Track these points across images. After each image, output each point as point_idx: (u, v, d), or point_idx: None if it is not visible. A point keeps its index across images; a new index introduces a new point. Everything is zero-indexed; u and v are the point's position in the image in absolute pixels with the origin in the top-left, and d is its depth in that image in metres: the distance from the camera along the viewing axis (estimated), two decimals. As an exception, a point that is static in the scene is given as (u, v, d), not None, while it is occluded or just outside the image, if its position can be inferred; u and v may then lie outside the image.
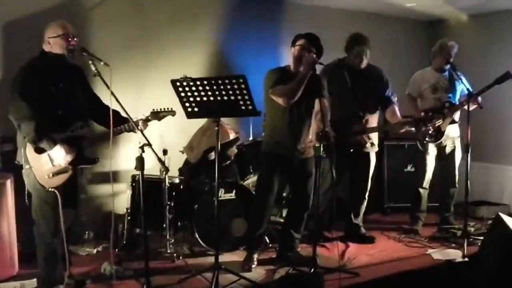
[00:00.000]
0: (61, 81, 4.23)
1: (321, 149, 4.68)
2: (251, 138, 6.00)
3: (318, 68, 4.78)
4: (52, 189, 4.10)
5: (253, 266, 4.99)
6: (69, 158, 4.15)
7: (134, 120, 4.33)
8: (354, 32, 5.71)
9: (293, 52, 4.88)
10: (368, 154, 5.86)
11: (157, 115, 4.57)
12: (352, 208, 5.98)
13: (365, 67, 5.69)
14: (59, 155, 4.10)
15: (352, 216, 5.96)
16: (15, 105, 4.02)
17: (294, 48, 4.87)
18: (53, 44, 4.18)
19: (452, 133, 6.12)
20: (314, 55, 4.74)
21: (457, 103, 5.97)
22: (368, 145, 5.80)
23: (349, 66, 5.67)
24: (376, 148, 5.93)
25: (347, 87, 5.64)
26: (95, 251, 5.39)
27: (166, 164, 4.60)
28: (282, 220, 5.77)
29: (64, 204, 4.13)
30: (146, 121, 4.50)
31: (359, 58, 5.60)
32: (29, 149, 4.09)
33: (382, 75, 5.85)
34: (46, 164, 4.12)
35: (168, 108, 4.60)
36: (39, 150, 4.08)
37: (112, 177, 4.07)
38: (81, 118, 4.32)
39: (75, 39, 4.22)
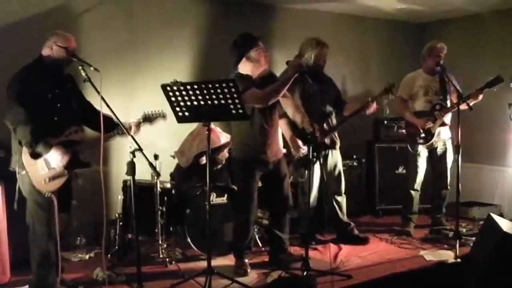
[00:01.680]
0: (57, 87, 4.26)
1: (311, 151, 4.72)
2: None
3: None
4: (49, 194, 4.11)
5: (249, 270, 4.97)
6: (65, 160, 4.17)
7: (126, 124, 4.36)
8: (312, 36, 5.79)
9: (254, 56, 4.86)
10: (336, 150, 5.92)
11: (149, 118, 4.59)
12: (337, 206, 5.98)
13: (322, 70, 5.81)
14: (55, 158, 4.11)
15: (340, 215, 5.98)
16: (12, 110, 4.03)
17: (254, 52, 4.84)
18: (55, 50, 4.22)
19: (444, 135, 6.15)
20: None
21: (448, 105, 6.00)
22: (338, 142, 5.89)
23: (309, 69, 5.64)
24: (339, 144, 5.97)
25: (313, 90, 5.65)
26: (87, 257, 5.37)
27: (158, 169, 4.60)
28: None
29: (58, 208, 4.14)
30: (138, 124, 4.51)
31: (323, 60, 5.71)
32: (25, 155, 4.09)
33: (331, 78, 6.03)
34: (42, 169, 4.13)
35: (159, 111, 4.61)
36: (35, 156, 4.09)
37: (104, 182, 4.05)
38: (75, 123, 4.34)
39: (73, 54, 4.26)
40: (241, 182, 5.11)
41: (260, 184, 5.13)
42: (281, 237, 5.20)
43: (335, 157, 5.90)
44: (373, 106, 5.62)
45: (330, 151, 5.84)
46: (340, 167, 5.97)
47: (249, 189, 4.97)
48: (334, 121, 5.88)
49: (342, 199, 6.00)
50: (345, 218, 6.01)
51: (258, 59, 4.87)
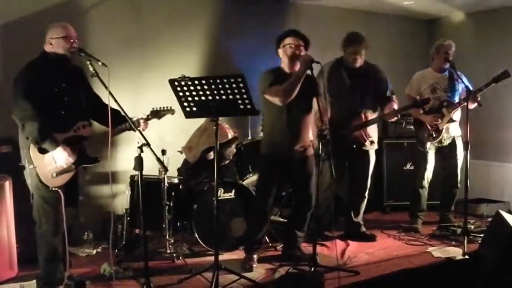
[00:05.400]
0: (64, 81, 4.24)
1: (320, 148, 4.70)
2: (249, 138, 6.00)
3: (317, 67, 4.75)
4: (56, 189, 4.11)
5: (254, 265, 4.98)
6: (71, 159, 4.16)
7: (135, 119, 4.35)
8: (350, 31, 5.72)
9: (285, 52, 4.88)
10: (367, 152, 5.82)
11: (157, 113, 4.57)
12: (352, 207, 5.97)
13: (362, 65, 5.68)
14: (62, 157, 4.10)
15: (352, 215, 5.96)
16: (19, 106, 4.02)
17: (285, 48, 4.87)
18: (54, 44, 4.19)
19: (453, 132, 6.11)
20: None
21: (456, 101, 5.97)
22: (367, 143, 5.76)
23: (347, 65, 5.66)
24: (375, 146, 5.89)
25: (346, 86, 5.63)
26: (94, 252, 5.38)
27: (165, 164, 4.60)
28: (282, 220, 5.77)
29: (65, 203, 4.13)
30: (146, 120, 4.49)
31: (353, 58, 5.60)
32: (33, 149, 4.09)
33: (380, 73, 5.84)
34: (50, 164, 4.12)
35: (167, 107, 4.59)
36: (43, 150, 4.09)
37: (111, 177, 4.05)
38: (83, 118, 4.33)
39: (76, 41, 4.23)
40: (262, 175, 5.14)
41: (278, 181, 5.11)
42: (297, 235, 5.21)
43: (363, 158, 5.83)
44: (396, 117, 5.70)
45: (357, 151, 5.77)
46: (369, 169, 5.88)
47: (268, 184, 5.00)
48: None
49: (362, 202, 5.96)
50: (356, 219, 5.98)
51: (289, 55, 4.87)
